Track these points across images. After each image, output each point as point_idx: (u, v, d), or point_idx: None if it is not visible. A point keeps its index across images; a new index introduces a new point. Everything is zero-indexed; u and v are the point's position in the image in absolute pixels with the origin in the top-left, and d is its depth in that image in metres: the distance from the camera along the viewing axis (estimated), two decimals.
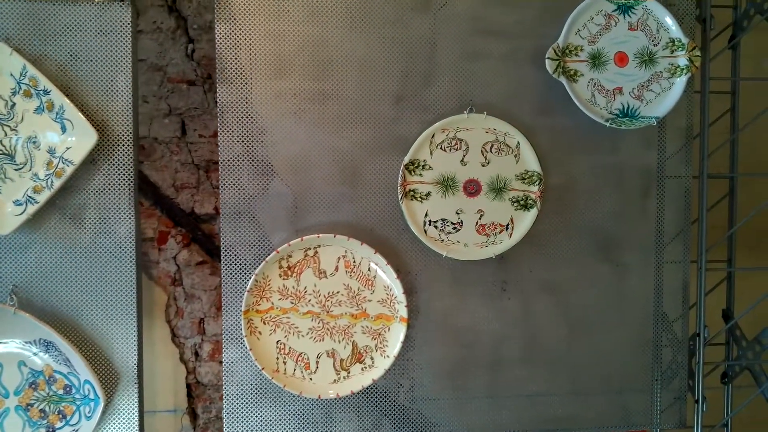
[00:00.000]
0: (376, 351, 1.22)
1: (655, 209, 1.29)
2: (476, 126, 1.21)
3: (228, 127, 1.19)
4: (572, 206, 1.27)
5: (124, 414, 1.19)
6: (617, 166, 1.28)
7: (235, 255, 1.20)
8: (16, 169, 1.14)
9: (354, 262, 1.21)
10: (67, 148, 1.13)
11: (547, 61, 1.18)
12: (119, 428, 1.19)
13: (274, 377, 1.18)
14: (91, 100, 1.16)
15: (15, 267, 1.16)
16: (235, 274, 1.20)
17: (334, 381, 1.21)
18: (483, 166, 1.22)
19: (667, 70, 1.23)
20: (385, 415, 1.25)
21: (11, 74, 1.12)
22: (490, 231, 1.23)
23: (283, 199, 1.20)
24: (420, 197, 1.21)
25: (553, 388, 1.29)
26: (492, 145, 1.22)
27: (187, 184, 1.73)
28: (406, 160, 1.19)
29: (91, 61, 1.15)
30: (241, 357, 1.21)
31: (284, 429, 1.23)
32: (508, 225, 1.23)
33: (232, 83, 1.18)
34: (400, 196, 1.20)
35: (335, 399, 1.21)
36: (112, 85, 1.16)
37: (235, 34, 1.18)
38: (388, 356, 1.21)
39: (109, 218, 1.17)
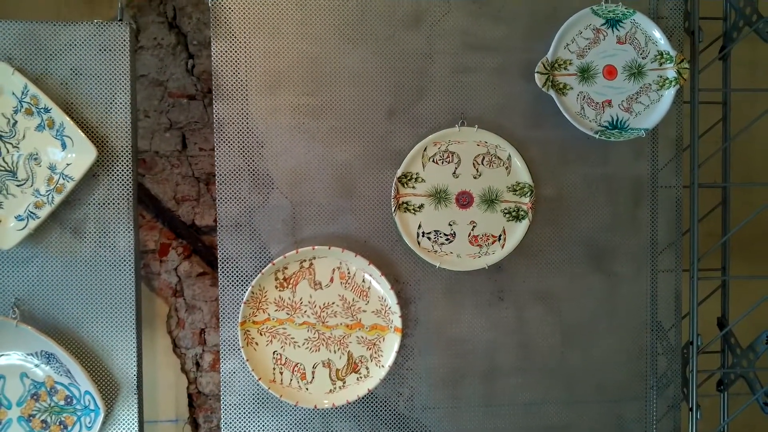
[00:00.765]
0: (371, 361, 1.23)
1: (646, 219, 1.30)
2: (468, 139, 1.23)
3: (225, 141, 1.21)
4: (564, 217, 1.28)
5: (124, 424, 1.21)
6: (608, 176, 1.29)
7: (233, 267, 1.22)
8: (17, 185, 1.17)
9: (349, 273, 1.23)
10: (68, 165, 1.16)
11: (536, 75, 1.20)
12: None
13: (271, 387, 1.20)
14: (92, 116, 1.19)
15: (17, 280, 1.18)
16: (233, 285, 1.22)
17: (330, 391, 1.22)
18: (475, 178, 1.24)
19: (655, 82, 1.24)
20: (384, 424, 1.27)
21: (13, 93, 1.15)
22: (483, 242, 1.24)
23: (282, 211, 1.22)
24: (413, 209, 1.23)
25: (548, 396, 1.30)
26: (483, 158, 1.24)
27: (188, 196, 1.75)
28: (399, 172, 1.21)
29: (92, 77, 1.18)
30: (239, 367, 1.22)
31: None
32: (500, 236, 1.24)
33: (228, 99, 1.21)
34: (393, 209, 1.22)
35: (332, 408, 1.22)
36: (112, 101, 1.19)
37: (232, 51, 1.21)
38: (383, 366, 1.23)
39: (109, 231, 1.20)
